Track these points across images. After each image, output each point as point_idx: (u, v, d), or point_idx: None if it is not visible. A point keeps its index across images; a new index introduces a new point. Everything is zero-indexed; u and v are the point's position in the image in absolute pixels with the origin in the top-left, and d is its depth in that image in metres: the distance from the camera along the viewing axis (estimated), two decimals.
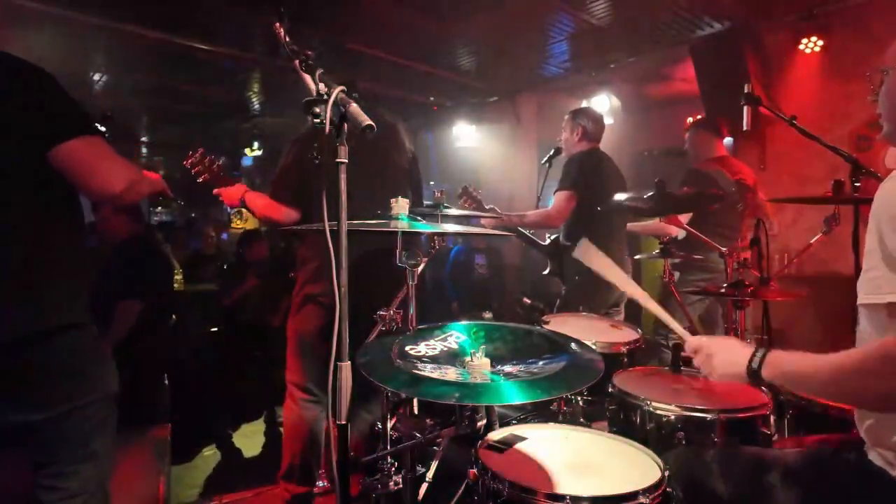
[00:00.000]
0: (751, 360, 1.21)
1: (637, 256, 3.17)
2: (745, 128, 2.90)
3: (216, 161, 2.50)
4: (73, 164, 1.43)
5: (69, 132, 1.42)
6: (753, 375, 1.20)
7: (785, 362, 1.18)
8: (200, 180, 2.49)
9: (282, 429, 4.02)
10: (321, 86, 1.16)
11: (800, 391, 1.41)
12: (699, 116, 3.89)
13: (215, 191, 2.49)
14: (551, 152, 3.45)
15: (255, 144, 8.42)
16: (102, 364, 1.57)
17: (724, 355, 1.29)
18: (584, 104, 5.44)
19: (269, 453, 3.78)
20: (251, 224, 7.46)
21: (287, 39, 1.29)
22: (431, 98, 6.75)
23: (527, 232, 3.42)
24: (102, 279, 3.03)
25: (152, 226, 6.20)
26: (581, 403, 2.03)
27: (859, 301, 1.11)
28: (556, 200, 3.15)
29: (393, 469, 1.45)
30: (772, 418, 1.60)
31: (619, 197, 2.89)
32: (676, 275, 2.76)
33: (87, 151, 1.44)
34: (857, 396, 1.10)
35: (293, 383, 2.43)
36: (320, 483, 2.61)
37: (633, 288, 1.63)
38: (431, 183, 7.19)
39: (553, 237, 3.40)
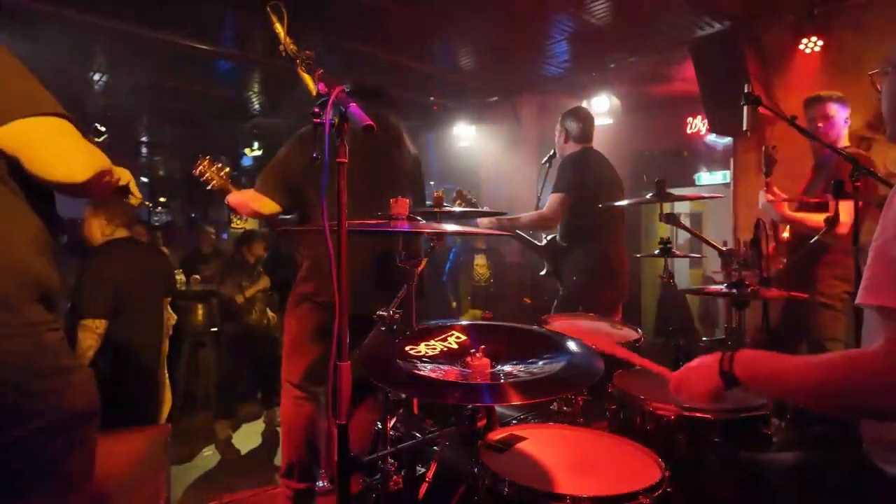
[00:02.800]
0: (720, 363, 1.18)
1: (637, 255, 3.17)
2: (744, 128, 2.89)
3: (224, 168, 2.51)
4: (27, 145, 1.23)
5: (23, 109, 1.24)
6: (728, 378, 1.17)
7: (756, 361, 1.16)
8: (210, 188, 2.50)
9: (280, 428, 4.04)
10: (321, 85, 1.16)
11: (773, 392, 1.34)
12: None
13: (230, 201, 2.49)
14: (551, 152, 3.46)
15: (255, 144, 8.43)
16: (59, 378, 1.29)
17: (696, 372, 1.25)
18: (584, 104, 5.44)
19: (268, 453, 3.79)
20: (251, 224, 7.47)
21: (287, 39, 1.29)
22: (432, 98, 6.74)
23: (523, 233, 3.43)
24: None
25: (148, 228, 6.02)
26: (581, 403, 2.03)
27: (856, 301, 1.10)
28: (549, 202, 3.19)
29: (393, 469, 1.45)
30: (772, 418, 1.60)
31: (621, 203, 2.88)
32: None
33: (44, 132, 1.25)
34: (838, 408, 1.07)
35: (288, 381, 2.44)
36: (321, 483, 2.62)
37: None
38: (431, 183, 7.19)
39: (550, 238, 3.41)
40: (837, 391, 1.02)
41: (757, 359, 1.17)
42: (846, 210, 2.55)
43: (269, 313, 4.51)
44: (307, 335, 2.35)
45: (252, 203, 2.34)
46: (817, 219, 2.61)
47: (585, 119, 3.34)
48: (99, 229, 2.97)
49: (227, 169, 2.54)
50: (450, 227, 1.63)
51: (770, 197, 2.95)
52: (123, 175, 1.59)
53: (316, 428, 2.46)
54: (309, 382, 2.39)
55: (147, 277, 3.16)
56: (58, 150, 1.26)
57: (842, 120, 2.94)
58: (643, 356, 1.52)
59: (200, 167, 2.50)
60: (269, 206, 2.30)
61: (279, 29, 1.29)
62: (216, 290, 4.71)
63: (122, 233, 3.06)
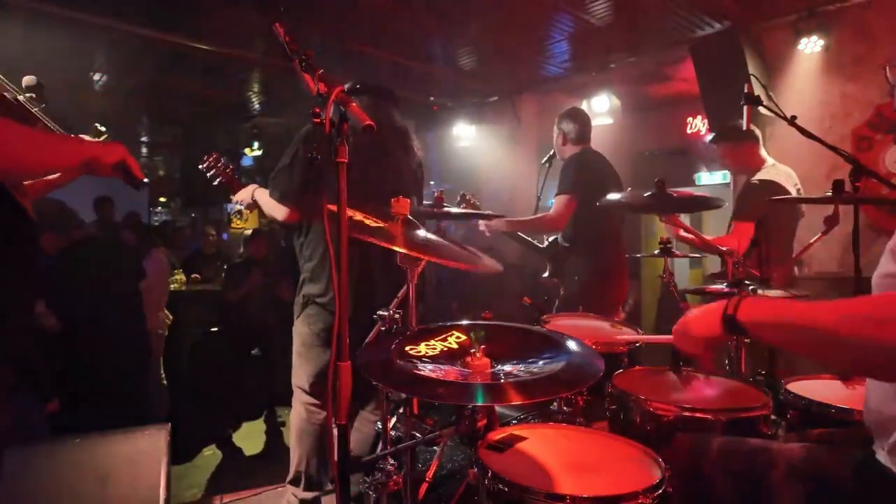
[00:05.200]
0: (725, 307, 1.11)
1: (637, 255, 3.15)
2: (744, 128, 2.89)
3: (229, 164, 2.56)
4: None
5: None
6: (729, 323, 1.09)
7: (766, 305, 1.09)
8: (216, 183, 2.55)
9: (283, 428, 4.04)
10: (321, 85, 1.16)
11: (783, 343, 1.20)
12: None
13: (233, 196, 2.55)
14: (551, 152, 3.45)
15: (255, 144, 8.43)
16: None
17: (698, 316, 1.20)
18: (584, 104, 5.44)
19: (269, 453, 3.79)
20: (251, 224, 7.47)
21: (287, 39, 1.28)
22: (431, 98, 6.75)
23: (525, 236, 3.42)
24: None
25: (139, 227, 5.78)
26: (581, 403, 2.03)
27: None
28: (556, 204, 3.16)
29: (393, 469, 1.45)
30: (772, 418, 1.60)
31: (615, 196, 2.87)
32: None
33: None
34: (867, 350, 0.90)
35: (299, 388, 2.42)
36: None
37: None
38: (432, 183, 7.19)
39: (552, 239, 3.40)
40: (859, 329, 0.90)
41: (765, 302, 1.11)
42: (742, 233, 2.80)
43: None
44: (316, 339, 2.33)
45: (273, 211, 2.37)
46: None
47: (582, 120, 3.33)
48: (48, 240, 2.95)
49: (233, 166, 2.60)
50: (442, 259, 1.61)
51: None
52: (105, 152, 1.38)
53: (327, 437, 2.42)
54: (321, 388, 2.35)
55: (113, 274, 3.17)
56: None
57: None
58: (643, 356, 1.52)
59: (208, 162, 2.55)
60: (285, 213, 2.31)
61: (279, 29, 1.29)
62: (215, 290, 4.71)
63: (78, 235, 3.07)
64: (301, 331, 2.39)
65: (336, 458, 1.17)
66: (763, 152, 3.15)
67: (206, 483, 3.25)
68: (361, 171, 2.01)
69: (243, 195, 2.54)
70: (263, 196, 2.43)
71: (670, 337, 1.32)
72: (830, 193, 2.20)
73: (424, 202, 2.59)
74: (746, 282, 2.05)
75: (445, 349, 1.47)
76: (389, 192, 1.60)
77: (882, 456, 1.14)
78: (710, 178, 6.72)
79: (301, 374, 2.40)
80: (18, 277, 1.25)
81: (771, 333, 1.09)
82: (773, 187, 2.95)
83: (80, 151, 1.36)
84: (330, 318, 2.28)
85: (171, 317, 4.32)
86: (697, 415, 1.56)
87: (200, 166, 2.58)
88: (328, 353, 2.30)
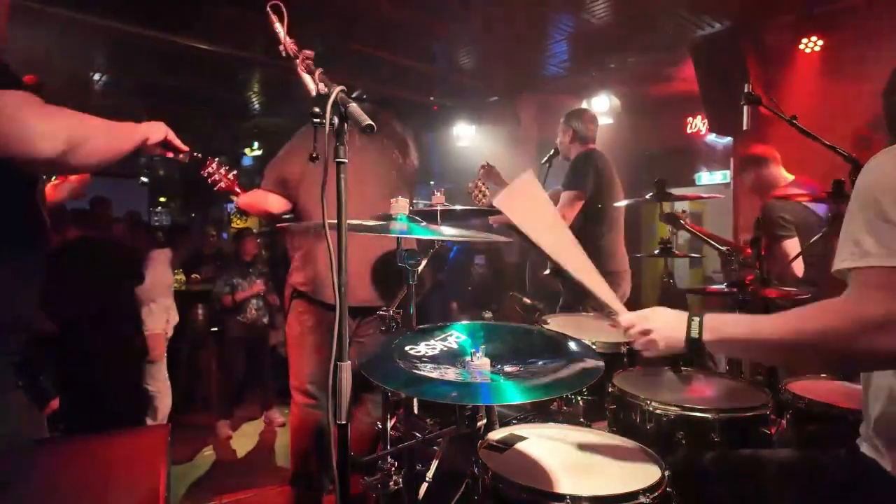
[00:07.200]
0: (689, 328, 1.17)
1: (637, 255, 3.15)
2: (744, 128, 2.90)
3: (231, 170, 2.56)
4: None
5: None
6: (693, 344, 1.16)
7: (727, 326, 1.15)
8: (217, 189, 2.54)
9: (282, 428, 4.04)
10: (321, 85, 1.16)
11: (745, 357, 1.34)
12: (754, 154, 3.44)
13: (239, 203, 2.50)
14: (551, 152, 3.45)
15: (255, 144, 8.43)
16: None
17: (662, 327, 1.22)
18: (584, 104, 5.44)
19: (268, 453, 3.78)
20: (251, 223, 7.48)
21: (287, 39, 1.28)
22: (431, 98, 6.75)
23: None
24: None
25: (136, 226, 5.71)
26: (581, 403, 2.03)
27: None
28: (563, 200, 3.14)
29: (393, 469, 1.45)
30: (772, 418, 1.60)
31: (622, 203, 2.87)
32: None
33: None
34: (819, 359, 1.12)
35: (294, 387, 2.40)
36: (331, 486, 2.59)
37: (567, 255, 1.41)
38: (431, 183, 7.19)
39: None
40: (815, 338, 1.04)
41: (726, 323, 1.16)
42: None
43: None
44: (306, 336, 2.32)
45: (260, 203, 2.35)
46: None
47: (591, 120, 3.34)
48: None
49: (235, 171, 2.59)
50: (448, 232, 1.63)
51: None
52: (153, 132, 1.46)
53: (325, 437, 2.38)
54: (315, 387, 2.34)
55: (108, 273, 3.15)
56: (13, 122, 1.06)
57: None
58: (643, 356, 1.51)
59: (209, 168, 2.54)
60: (276, 203, 2.31)
61: (279, 29, 1.29)
62: (214, 290, 4.69)
63: (73, 233, 3.05)
64: (290, 327, 2.37)
65: (336, 458, 1.17)
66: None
67: (205, 483, 3.25)
68: (355, 172, 2.02)
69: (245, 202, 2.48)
70: (247, 197, 2.41)
71: (621, 309, 1.34)
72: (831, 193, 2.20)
73: (424, 202, 2.59)
74: (746, 281, 2.05)
75: (445, 349, 1.47)
76: (385, 195, 1.60)
77: (865, 447, 1.16)
78: (711, 178, 6.72)
79: (295, 373, 2.39)
80: (28, 282, 1.25)
81: (733, 352, 1.28)
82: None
83: (134, 133, 1.40)
84: (317, 310, 2.27)
85: (177, 317, 4.30)
86: (697, 415, 1.56)
87: (202, 172, 2.57)
88: (320, 350, 2.29)
